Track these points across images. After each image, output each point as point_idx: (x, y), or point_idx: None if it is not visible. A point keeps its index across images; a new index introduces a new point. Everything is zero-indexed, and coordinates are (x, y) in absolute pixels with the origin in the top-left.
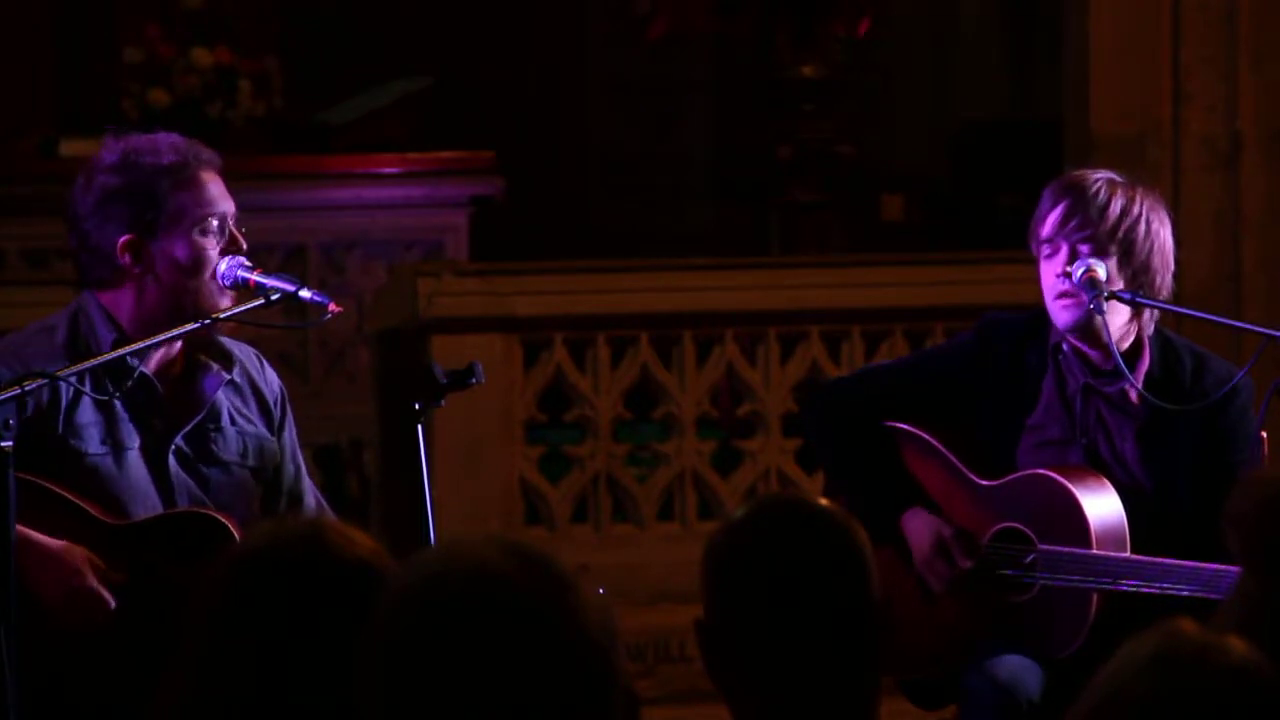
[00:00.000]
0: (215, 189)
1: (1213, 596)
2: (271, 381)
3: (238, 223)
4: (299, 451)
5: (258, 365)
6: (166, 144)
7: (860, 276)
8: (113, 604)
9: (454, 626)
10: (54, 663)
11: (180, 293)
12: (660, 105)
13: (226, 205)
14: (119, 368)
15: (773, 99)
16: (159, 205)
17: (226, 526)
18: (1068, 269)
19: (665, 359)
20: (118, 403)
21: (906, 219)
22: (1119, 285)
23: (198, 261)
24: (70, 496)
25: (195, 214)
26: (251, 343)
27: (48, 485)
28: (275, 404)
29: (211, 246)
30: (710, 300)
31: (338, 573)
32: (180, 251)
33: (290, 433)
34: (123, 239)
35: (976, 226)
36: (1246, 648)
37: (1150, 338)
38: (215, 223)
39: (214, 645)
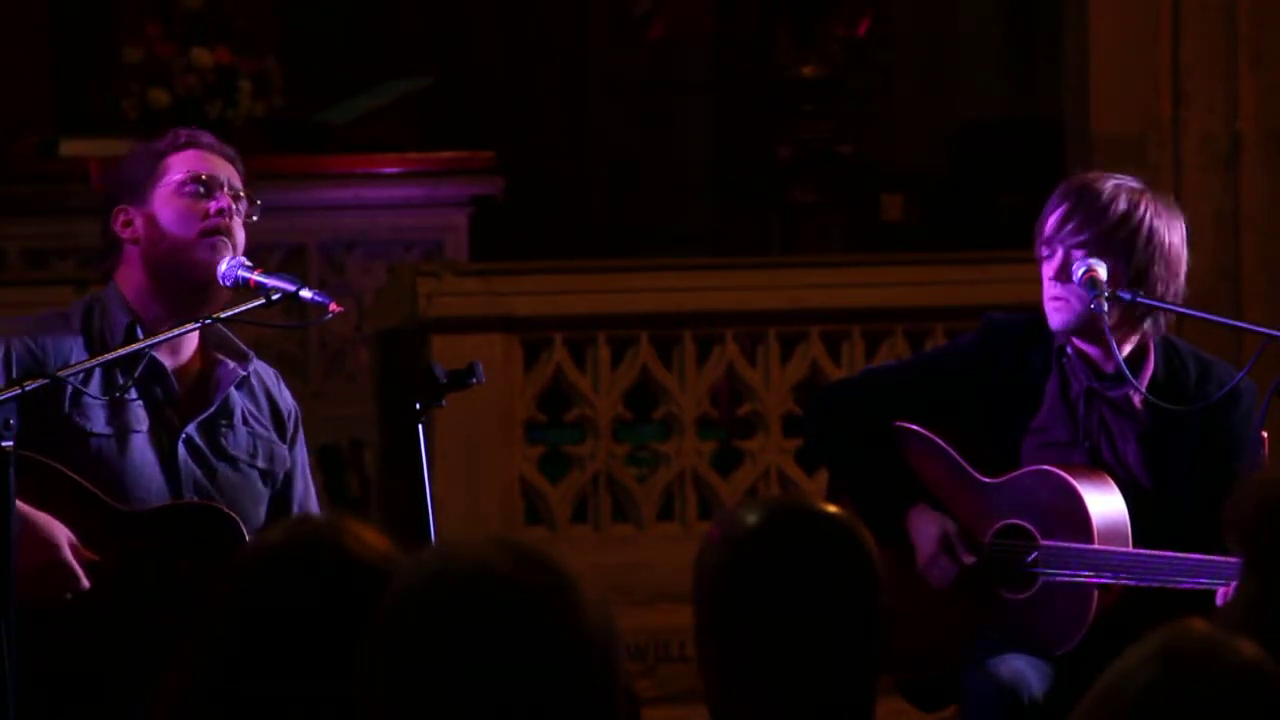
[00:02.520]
0: (205, 158)
1: (1216, 584)
2: (287, 398)
3: (245, 203)
4: (309, 471)
5: (275, 381)
6: (183, 128)
7: (860, 276)
8: (86, 584)
9: (453, 627)
10: (51, 649)
11: (169, 251)
12: (660, 105)
13: (217, 171)
14: (128, 361)
15: (773, 99)
16: (147, 171)
17: (234, 520)
18: (1061, 274)
19: (665, 359)
20: (130, 389)
21: (906, 219)
22: (1120, 288)
23: (182, 217)
24: (79, 480)
25: (176, 175)
26: (251, 343)
27: (56, 466)
28: (289, 418)
29: (197, 205)
30: (710, 300)
31: (352, 573)
32: (164, 211)
33: (301, 450)
34: (117, 208)
35: (976, 226)
36: (1255, 648)
37: (1156, 343)
38: (200, 186)
39: (226, 639)
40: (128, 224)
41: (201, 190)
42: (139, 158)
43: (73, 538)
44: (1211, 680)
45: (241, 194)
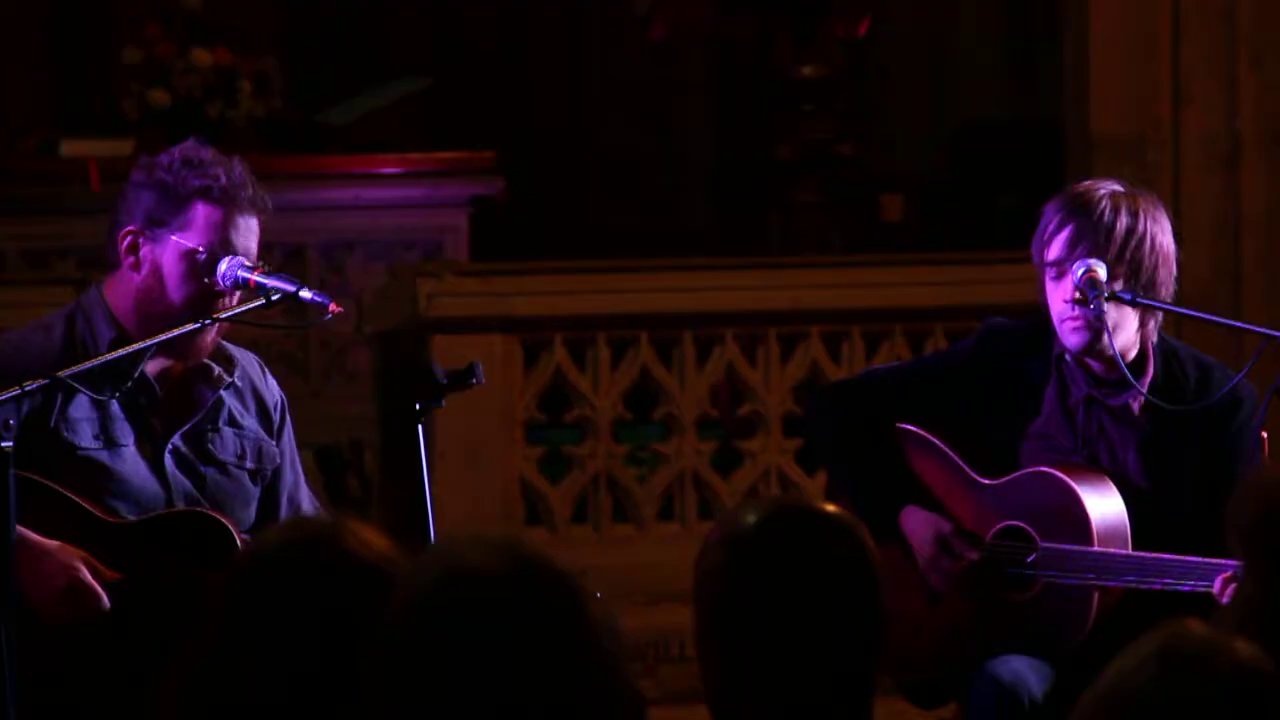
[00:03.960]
0: (231, 223)
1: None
2: (273, 388)
3: (248, 270)
4: (298, 459)
5: (259, 372)
6: (224, 168)
7: (860, 276)
8: (107, 601)
9: (457, 634)
10: (52, 660)
11: (154, 302)
12: (660, 105)
13: (234, 240)
14: (118, 369)
15: (773, 99)
16: (174, 211)
17: (226, 527)
18: (1075, 299)
19: (665, 359)
20: (113, 402)
21: (906, 219)
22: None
23: (177, 282)
24: (70, 495)
25: (192, 240)
26: (251, 343)
27: (48, 484)
28: (275, 409)
29: (200, 278)
30: (710, 300)
31: (352, 573)
32: (168, 262)
33: (289, 440)
34: (128, 226)
35: (976, 226)
36: (1252, 647)
37: (1154, 348)
38: (210, 260)
39: (226, 641)
40: (133, 250)
41: (206, 262)
42: (170, 187)
43: (88, 557)
44: (1209, 680)
45: (254, 262)
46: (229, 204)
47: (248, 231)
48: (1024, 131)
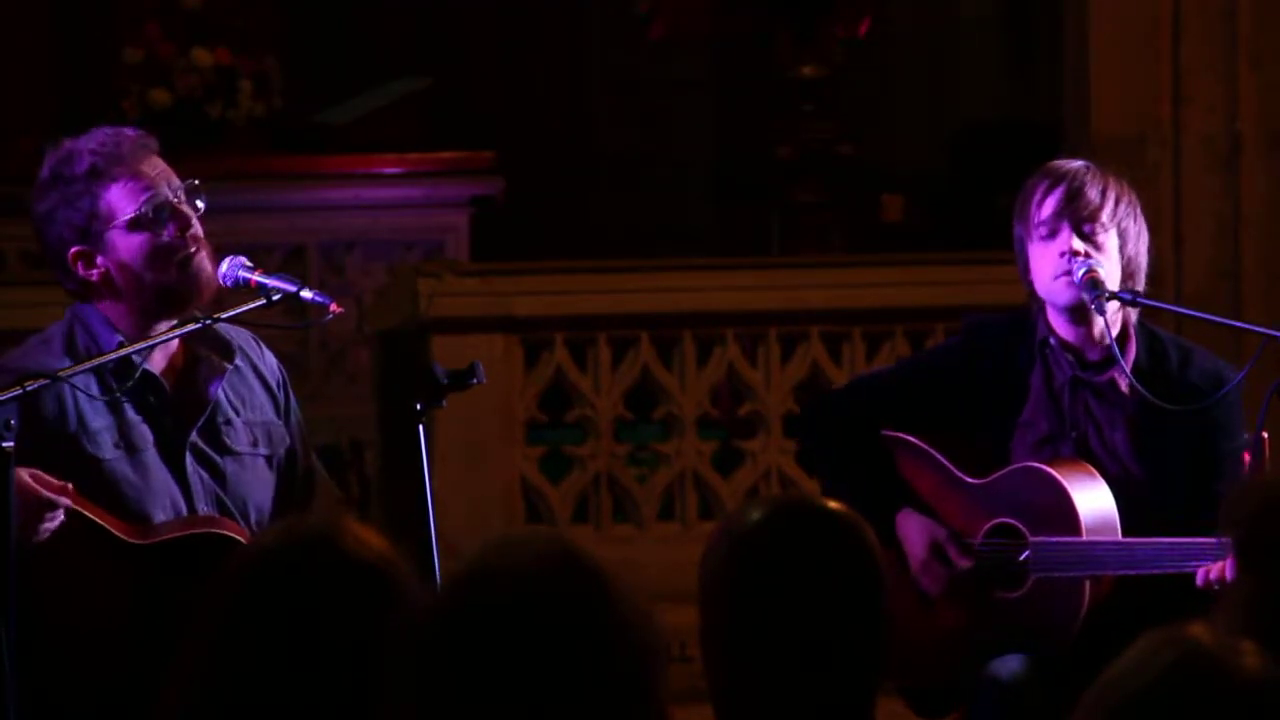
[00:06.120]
0: (137, 178)
1: (1203, 565)
2: (271, 364)
3: (188, 196)
4: (305, 432)
5: (257, 350)
6: (87, 147)
7: (860, 276)
8: (66, 500)
9: (491, 635)
10: (61, 681)
11: (149, 289)
12: (660, 105)
13: (156, 188)
14: (121, 368)
15: (773, 99)
16: (87, 213)
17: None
18: (1074, 247)
19: (665, 359)
20: (127, 405)
21: (906, 219)
22: (1115, 277)
23: (149, 255)
24: (90, 514)
25: (123, 215)
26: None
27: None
28: (279, 387)
29: (159, 239)
30: (710, 300)
31: (351, 573)
32: (125, 248)
33: (295, 414)
34: (72, 252)
35: (976, 226)
36: (1260, 659)
37: (1135, 328)
38: (152, 212)
39: (222, 642)
40: (90, 267)
41: (154, 217)
42: (69, 196)
43: (34, 471)
44: (1221, 702)
45: (182, 189)
46: (120, 165)
47: (156, 172)
48: (1024, 131)
